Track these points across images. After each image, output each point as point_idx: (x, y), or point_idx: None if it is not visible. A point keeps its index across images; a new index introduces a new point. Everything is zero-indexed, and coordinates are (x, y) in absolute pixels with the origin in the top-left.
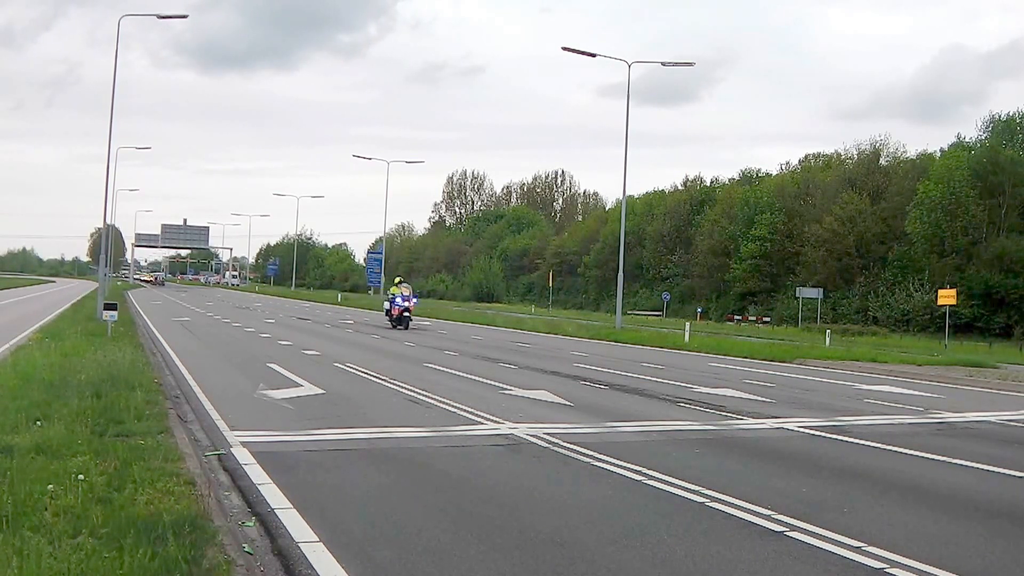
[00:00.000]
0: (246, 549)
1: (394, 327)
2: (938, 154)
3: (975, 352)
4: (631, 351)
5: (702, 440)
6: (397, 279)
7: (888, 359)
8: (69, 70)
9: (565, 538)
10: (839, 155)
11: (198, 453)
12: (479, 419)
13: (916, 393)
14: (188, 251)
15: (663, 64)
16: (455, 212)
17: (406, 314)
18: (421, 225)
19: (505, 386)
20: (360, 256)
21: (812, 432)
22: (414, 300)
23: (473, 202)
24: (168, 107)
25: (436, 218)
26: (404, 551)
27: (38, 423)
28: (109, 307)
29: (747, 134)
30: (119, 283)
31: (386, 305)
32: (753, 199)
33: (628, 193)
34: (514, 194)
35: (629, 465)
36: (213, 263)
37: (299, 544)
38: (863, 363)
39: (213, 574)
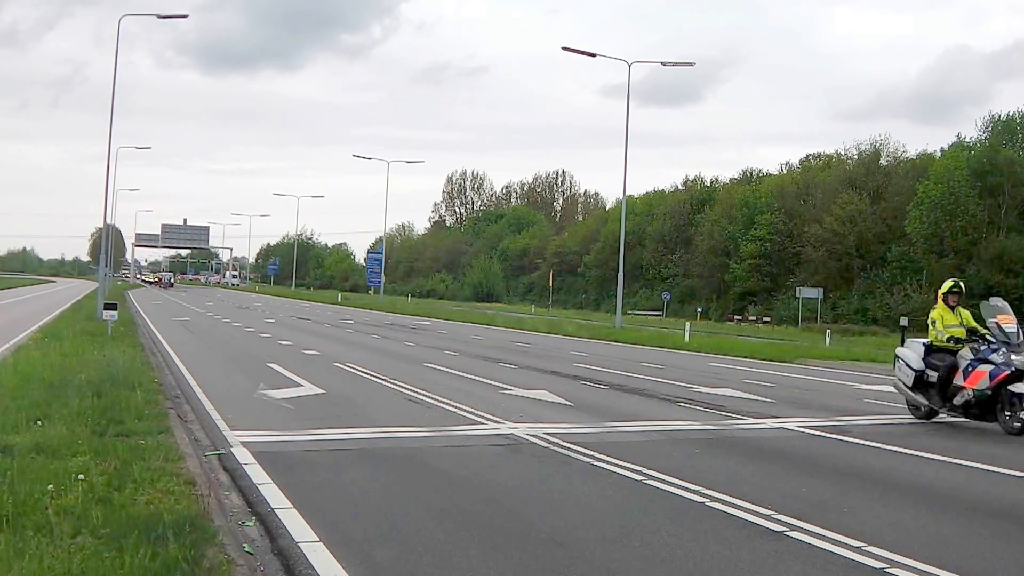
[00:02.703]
0: (246, 549)
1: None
2: (938, 154)
3: None
4: (631, 351)
5: (702, 440)
6: (950, 284)
7: (888, 359)
8: (74, 70)
9: (565, 538)
10: (839, 155)
11: (198, 453)
12: (479, 419)
13: None
14: (188, 251)
15: (663, 64)
16: (455, 212)
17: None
18: (421, 225)
19: (505, 386)
20: (360, 256)
21: (812, 432)
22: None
23: (473, 202)
24: (171, 107)
25: (436, 218)
26: (404, 551)
27: (38, 423)
28: (109, 307)
29: (750, 134)
30: (119, 283)
31: (907, 367)
32: (753, 199)
33: (628, 193)
34: (514, 194)
35: (629, 465)
36: (213, 263)
37: (299, 544)
38: (863, 363)
39: (213, 574)
